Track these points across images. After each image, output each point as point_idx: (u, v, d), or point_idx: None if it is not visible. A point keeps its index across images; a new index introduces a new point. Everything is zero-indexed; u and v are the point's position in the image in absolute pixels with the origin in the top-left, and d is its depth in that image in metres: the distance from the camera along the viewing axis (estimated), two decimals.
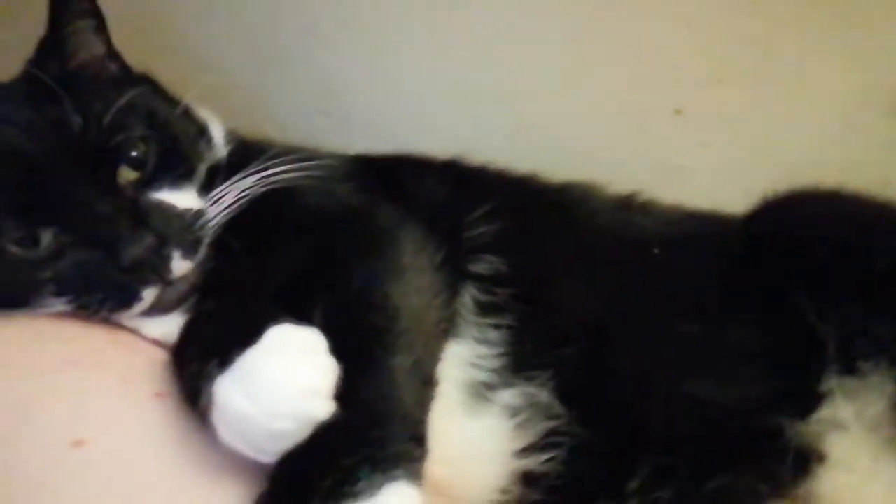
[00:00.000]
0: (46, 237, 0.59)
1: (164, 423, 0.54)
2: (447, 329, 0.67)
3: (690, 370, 0.68)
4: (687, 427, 0.67)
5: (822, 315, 0.68)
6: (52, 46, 0.66)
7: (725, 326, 0.70)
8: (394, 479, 0.47)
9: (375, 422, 0.50)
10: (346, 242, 0.65)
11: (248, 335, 0.51)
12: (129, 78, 0.71)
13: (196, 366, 0.53)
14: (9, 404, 0.54)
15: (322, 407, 0.49)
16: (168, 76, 0.74)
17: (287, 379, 0.48)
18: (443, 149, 0.82)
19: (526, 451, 0.65)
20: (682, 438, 0.66)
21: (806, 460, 0.65)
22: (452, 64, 0.91)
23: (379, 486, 0.47)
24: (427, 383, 0.59)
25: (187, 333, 0.60)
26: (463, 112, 0.93)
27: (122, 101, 0.63)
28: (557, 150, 0.90)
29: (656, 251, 0.73)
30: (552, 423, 0.65)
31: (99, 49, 0.69)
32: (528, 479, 0.65)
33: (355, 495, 0.46)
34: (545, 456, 0.65)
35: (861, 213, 0.75)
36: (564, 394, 0.66)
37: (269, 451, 0.49)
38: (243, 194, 0.65)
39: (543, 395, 0.66)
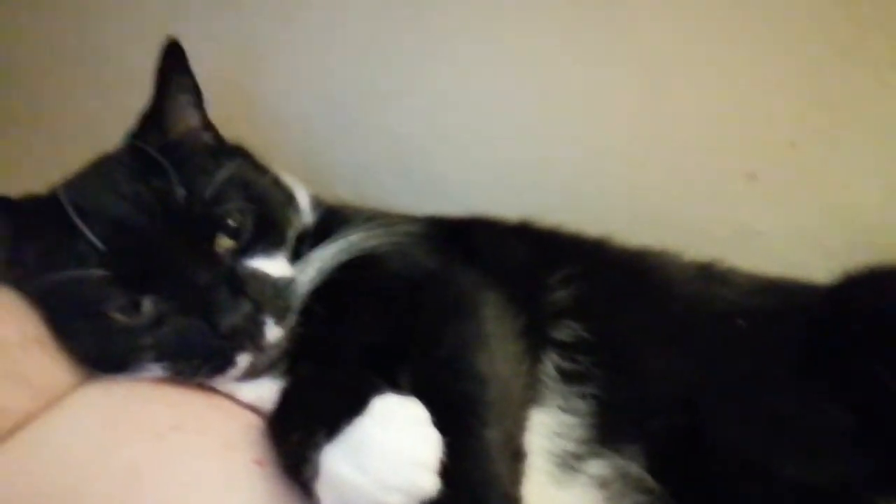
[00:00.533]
0: (147, 305, 0.61)
1: (266, 490, 0.56)
2: (531, 397, 0.67)
3: (781, 446, 0.66)
4: None
5: None
6: (155, 119, 0.70)
7: (815, 401, 0.68)
8: None
9: (477, 500, 0.51)
10: (430, 308, 0.66)
11: (352, 405, 0.52)
12: (223, 148, 0.75)
13: (299, 435, 0.54)
14: (120, 468, 0.55)
15: (431, 481, 0.49)
16: (251, 143, 0.78)
17: (398, 451, 0.49)
18: (514, 211, 0.83)
19: None
20: None
21: None
22: (523, 127, 0.93)
23: None
24: (518, 457, 0.59)
25: (284, 402, 0.61)
26: (535, 175, 0.94)
27: (222, 173, 0.66)
28: (632, 215, 0.91)
29: (740, 322, 0.72)
30: (643, 498, 0.65)
31: (196, 121, 0.73)
32: None
33: None
34: None
35: None
36: (655, 468, 0.65)
37: None
38: (329, 261, 0.68)
39: (633, 468, 0.65)
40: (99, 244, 0.60)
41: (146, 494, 0.54)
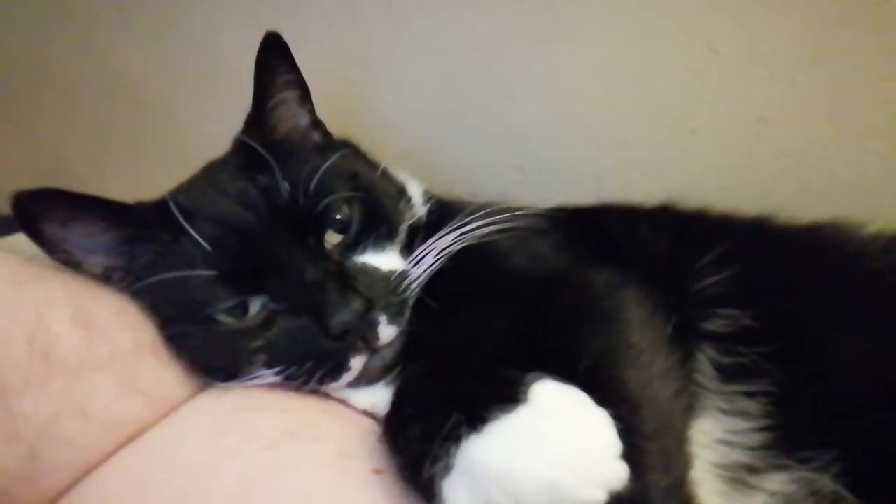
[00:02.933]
0: (255, 306, 0.58)
1: (387, 500, 0.49)
2: (691, 412, 0.56)
3: None
4: None
5: None
6: (259, 118, 0.67)
7: None
8: None
9: None
10: (562, 312, 0.56)
11: (501, 392, 0.44)
12: (331, 144, 0.71)
13: (422, 429, 0.46)
14: (232, 477, 0.51)
15: (621, 468, 0.41)
16: (364, 142, 0.74)
17: (579, 438, 0.42)
18: (642, 196, 0.75)
19: None
20: None
21: None
22: (650, 105, 0.83)
23: None
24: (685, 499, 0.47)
25: (401, 398, 0.54)
26: (660, 156, 0.84)
27: (326, 165, 0.62)
28: (781, 183, 0.79)
29: None
30: None
31: (303, 119, 0.71)
32: None
33: None
34: None
35: None
36: (855, 481, 0.52)
37: None
38: (443, 252, 0.61)
39: (826, 482, 0.53)
40: (205, 244, 0.57)
41: (259, 500, 0.49)
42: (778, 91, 0.77)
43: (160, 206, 0.61)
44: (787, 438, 0.54)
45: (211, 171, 0.67)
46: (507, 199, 0.74)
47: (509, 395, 0.43)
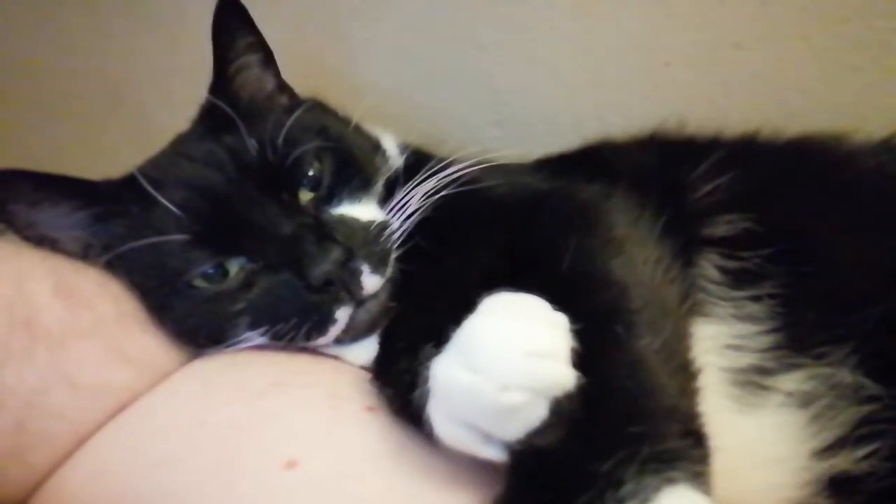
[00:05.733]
0: (234, 268, 0.57)
1: (381, 436, 0.47)
2: (690, 307, 0.54)
3: None
4: None
5: None
6: (221, 83, 0.67)
7: None
8: (671, 481, 0.36)
9: (634, 414, 0.39)
10: (549, 221, 0.56)
11: (461, 311, 0.43)
12: (299, 105, 0.70)
13: (405, 361, 0.46)
14: (221, 431, 0.50)
15: (559, 372, 0.39)
16: (338, 101, 0.73)
17: (513, 341, 0.39)
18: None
19: (832, 448, 0.50)
20: None
21: None
22: (625, 71, 0.83)
23: (653, 490, 0.36)
24: (685, 369, 0.46)
25: (387, 338, 0.54)
26: (638, 108, 0.83)
27: (292, 118, 0.62)
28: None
29: None
30: (865, 409, 0.50)
31: (268, 83, 0.70)
32: (840, 483, 0.49)
33: (620, 501, 0.35)
34: (862, 451, 0.49)
35: None
36: (876, 369, 0.50)
37: (498, 438, 0.39)
38: (426, 198, 0.60)
39: (845, 375, 0.51)
40: (175, 209, 0.57)
41: (247, 450, 0.47)
42: (748, 13, 0.76)
43: (129, 181, 0.61)
44: (798, 338, 0.53)
45: (177, 141, 0.66)
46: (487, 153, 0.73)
47: (464, 312, 0.42)
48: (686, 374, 0.46)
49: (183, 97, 0.67)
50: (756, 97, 0.79)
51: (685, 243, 0.57)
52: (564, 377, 0.39)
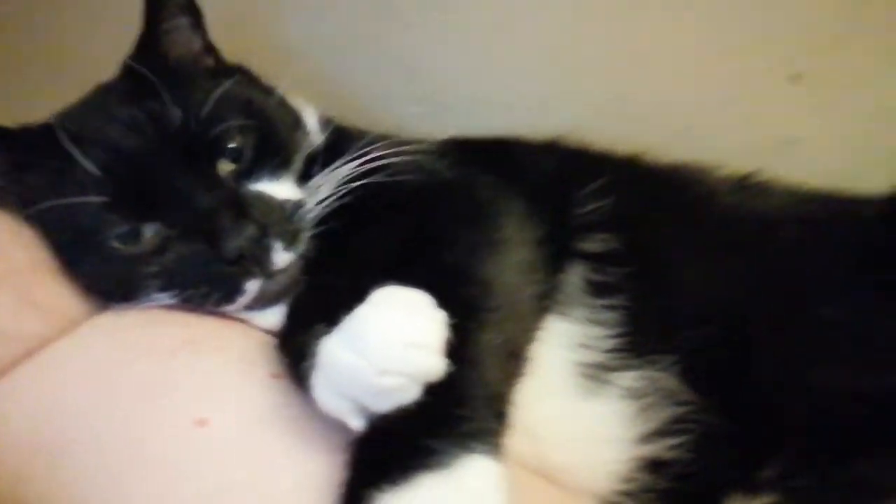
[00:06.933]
0: (149, 232, 0.59)
1: (283, 402, 0.54)
2: (545, 306, 0.64)
3: (831, 356, 0.63)
4: (829, 415, 0.61)
5: None
6: (149, 43, 0.67)
7: (867, 311, 0.64)
8: (471, 451, 0.45)
9: (460, 402, 0.47)
10: (446, 215, 0.63)
11: (354, 298, 0.49)
12: (224, 70, 0.72)
13: (302, 335, 0.52)
14: (135, 386, 0.54)
15: (432, 362, 0.46)
16: (258, 69, 0.75)
17: (395, 333, 0.46)
18: (542, 130, 0.79)
19: (650, 436, 0.61)
20: (824, 427, 0.61)
21: None
22: (547, 37, 0.87)
23: (455, 458, 0.44)
24: (514, 357, 0.56)
25: (292, 311, 0.59)
26: (559, 88, 0.89)
27: (219, 91, 0.63)
28: (660, 124, 0.86)
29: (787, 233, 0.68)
30: (680, 410, 0.61)
31: (195, 43, 0.70)
32: (653, 465, 0.61)
33: (429, 467, 0.43)
34: (672, 442, 0.61)
35: None
36: (693, 379, 0.62)
37: (370, 411, 0.46)
38: (341, 185, 0.64)
39: (669, 380, 0.62)
40: (94, 170, 0.58)
41: (159, 406, 0.52)
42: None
43: (46, 130, 0.61)
44: (637, 345, 0.63)
45: (99, 95, 0.66)
46: (404, 131, 0.78)
47: (356, 300, 0.49)
48: (515, 363, 0.56)
49: (105, 41, 0.67)
50: None
51: (560, 252, 0.66)
52: (436, 366, 0.46)
